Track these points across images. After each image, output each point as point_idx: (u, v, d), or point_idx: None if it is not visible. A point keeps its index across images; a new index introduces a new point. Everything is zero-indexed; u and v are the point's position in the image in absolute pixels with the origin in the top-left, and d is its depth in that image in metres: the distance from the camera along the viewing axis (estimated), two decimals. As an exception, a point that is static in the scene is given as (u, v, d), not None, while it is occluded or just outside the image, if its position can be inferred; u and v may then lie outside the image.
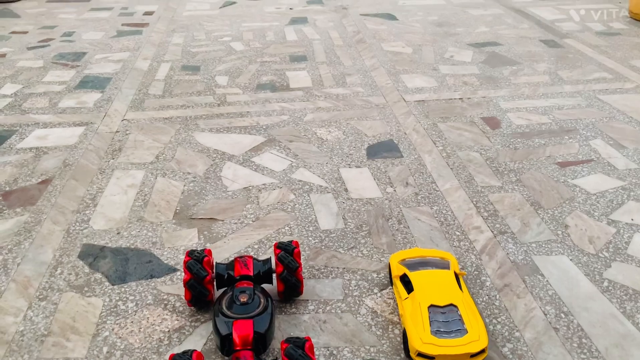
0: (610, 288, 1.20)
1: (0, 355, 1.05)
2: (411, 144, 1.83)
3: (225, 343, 0.99)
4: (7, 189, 1.59)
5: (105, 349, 1.07)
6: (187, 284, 1.10)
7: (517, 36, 2.90)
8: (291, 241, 1.17)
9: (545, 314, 1.14)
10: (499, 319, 1.13)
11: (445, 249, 1.33)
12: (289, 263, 1.11)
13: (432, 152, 1.77)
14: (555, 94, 2.20)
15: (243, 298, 1.04)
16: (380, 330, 1.10)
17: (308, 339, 0.94)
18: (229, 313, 1.01)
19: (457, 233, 1.39)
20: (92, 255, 1.33)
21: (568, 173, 1.64)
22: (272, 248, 1.30)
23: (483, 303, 1.17)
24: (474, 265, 1.28)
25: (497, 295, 1.19)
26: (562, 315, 1.13)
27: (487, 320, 1.12)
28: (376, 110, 2.09)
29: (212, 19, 3.35)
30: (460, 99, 2.17)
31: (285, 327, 1.12)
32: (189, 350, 0.92)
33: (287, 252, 1.13)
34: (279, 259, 1.12)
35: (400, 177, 1.64)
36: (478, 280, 1.23)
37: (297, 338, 0.94)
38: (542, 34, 2.94)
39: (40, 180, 1.63)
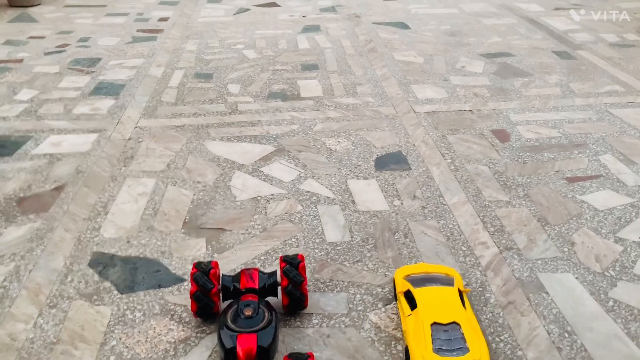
0: (615, 308, 1.20)
1: (11, 362, 1.08)
2: (419, 156, 1.84)
3: (229, 356, 1.00)
4: (22, 195, 1.62)
5: (112, 358, 1.09)
6: (193, 296, 1.12)
7: (530, 47, 2.90)
8: (297, 255, 1.19)
9: (549, 333, 1.14)
10: (502, 337, 1.13)
11: (451, 264, 1.34)
12: (293, 277, 1.13)
13: (440, 165, 1.77)
14: (566, 107, 2.19)
15: (248, 312, 1.05)
16: (383, 346, 1.11)
17: (310, 355, 0.95)
18: (233, 326, 1.03)
19: (463, 248, 1.40)
20: (102, 263, 1.35)
21: (576, 189, 1.64)
22: (278, 261, 1.31)
23: (486, 320, 1.17)
24: (479, 281, 1.28)
25: (501, 313, 1.19)
26: (566, 334, 1.14)
27: (489, 338, 1.13)
28: (386, 121, 2.10)
29: (226, 26, 3.38)
30: (470, 110, 2.17)
31: (290, 340, 1.13)
32: (194, 363, 0.94)
33: (292, 265, 1.15)
34: (284, 273, 1.14)
35: (407, 189, 1.64)
36: (482, 297, 1.24)
37: (300, 354, 0.95)
38: (555, 44, 2.93)
39: (53, 187, 1.66)
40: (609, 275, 1.30)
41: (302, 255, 1.19)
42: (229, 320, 1.05)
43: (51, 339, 1.13)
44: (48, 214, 1.54)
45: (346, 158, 1.82)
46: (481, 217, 1.51)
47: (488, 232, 1.45)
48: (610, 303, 1.22)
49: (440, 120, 2.09)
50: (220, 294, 1.16)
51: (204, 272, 1.13)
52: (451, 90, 2.36)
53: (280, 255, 1.35)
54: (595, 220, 1.49)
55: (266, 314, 1.06)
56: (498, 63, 2.67)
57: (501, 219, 1.50)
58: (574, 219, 1.50)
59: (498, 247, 1.39)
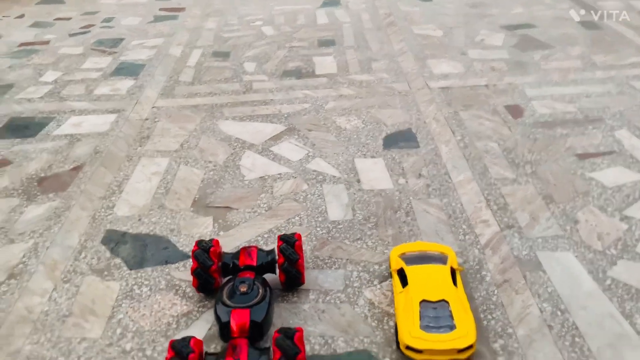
0: (612, 287, 1.20)
1: (26, 332, 1.16)
2: (429, 133, 1.84)
3: (224, 330, 1.05)
4: (42, 175, 1.70)
5: (118, 331, 1.16)
6: (194, 272, 1.17)
7: (554, 17, 2.81)
8: (294, 234, 1.22)
9: (542, 311, 1.15)
10: (494, 315, 1.15)
11: (450, 242, 1.35)
12: (289, 255, 1.16)
13: (450, 143, 1.77)
14: (585, 80, 2.14)
15: (243, 288, 1.10)
16: (376, 321, 1.14)
17: (299, 330, 0.99)
18: (228, 302, 1.08)
19: (464, 226, 1.40)
20: (114, 240, 1.42)
21: (586, 165, 1.61)
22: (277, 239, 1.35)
23: (480, 298, 1.19)
24: (476, 259, 1.30)
25: (496, 291, 1.21)
26: (559, 313, 1.14)
27: (481, 316, 1.15)
28: (398, 97, 2.09)
29: (246, 2, 3.39)
30: (485, 85, 2.14)
31: (286, 315, 1.18)
32: (188, 337, 0.99)
33: (289, 244, 1.18)
34: (280, 251, 1.18)
35: (414, 168, 1.65)
36: (478, 275, 1.25)
37: (288, 329, 0.99)
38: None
39: (72, 166, 1.74)
40: (609, 253, 1.29)
41: (299, 235, 1.22)
42: (224, 296, 1.10)
43: (64, 312, 1.21)
44: (66, 193, 1.61)
45: (355, 137, 1.84)
46: (485, 195, 1.51)
47: (491, 210, 1.45)
48: (608, 282, 1.21)
49: (454, 96, 2.07)
50: (221, 271, 1.21)
51: (204, 250, 1.18)
52: (468, 65, 2.33)
53: (277, 235, 1.39)
54: (602, 198, 1.47)
55: (260, 291, 1.10)
56: (519, 35, 2.61)
57: (505, 197, 1.50)
58: (580, 196, 1.48)
59: (499, 226, 1.39)
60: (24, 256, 1.37)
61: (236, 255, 1.21)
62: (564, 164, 1.63)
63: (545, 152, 1.69)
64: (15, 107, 2.14)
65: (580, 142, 1.73)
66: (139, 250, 1.38)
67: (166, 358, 0.95)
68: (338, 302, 1.20)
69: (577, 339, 1.08)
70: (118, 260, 1.35)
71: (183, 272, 1.30)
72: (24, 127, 1.98)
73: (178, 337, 1.13)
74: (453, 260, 1.19)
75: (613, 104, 1.95)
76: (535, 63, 2.31)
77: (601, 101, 1.97)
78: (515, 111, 1.94)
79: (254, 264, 1.19)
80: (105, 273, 1.31)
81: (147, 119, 2.02)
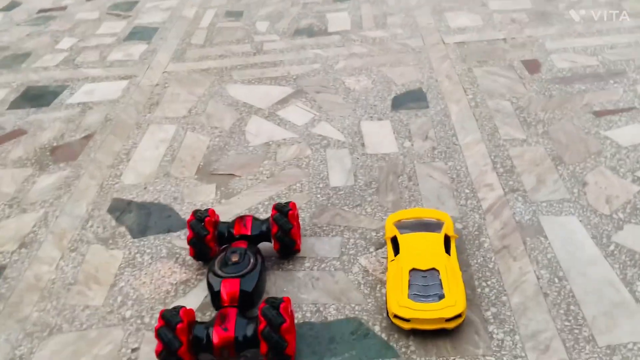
0: (615, 252, 1.16)
1: (34, 300, 1.21)
2: (440, 92, 1.78)
3: (215, 299, 1.07)
4: (55, 144, 1.74)
5: (119, 298, 1.19)
6: (190, 242, 1.19)
7: (585, -39, 2.64)
8: (288, 202, 1.22)
9: (539, 279, 1.12)
10: (489, 282, 1.13)
11: (451, 208, 1.33)
12: (282, 224, 1.17)
13: (461, 102, 1.71)
14: (612, 30, 2.02)
15: (234, 258, 1.11)
16: (368, 289, 1.14)
17: (285, 300, 1.00)
18: (219, 272, 1.09)
19: (467, 191, 1.37)
20: (119, 209, 1.45)
21: (602, 123, 1.54)
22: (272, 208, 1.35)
23: (476, 265, 1.17)
24: (476, 225, 1.27)
25: (493, 258, 1.19)
26: (556, 280, 1.12)
27: (476, 283, 1.13)
28: (412, 54, 2.03)
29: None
30: (503, 39, 2.05)
31: (280, 283, 1.19)
32: (178, 306, 1.01)
33: (282, 213, 1.18)
34: (274, 220, 1.18)
35: (421, 130, 1.61)
36: (477, 242, 1.23)
37: (275, 298, 1.00)
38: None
39: (83, 135, 1.77)
40: (616, 217, 1.24)
41: (293, 203, 1.22)
42: (216, 266, 1.11)
43: (69, 280, 1.25)
44: (76, 162, 1.65)
45: (363, 98, 1.80)
46: (492, 158, 1.46)
47: (497, 173, 1.41)
48: (612, 247, 1.17)
49: (470, 52, 1.99)
50: (217, 240, 1.22)
51: (199, 220, 1.19)
52: (487, 17, 2.23)
53: (282, 202, 1.39)
54: (615, 159, 1.41)
55: (251, 260, 1.11)
56: (544, -18, 2.46)
57: (513, 158, 1.45)
58: (592, 157, 1.42)
59: (503, 189, 1.36)
60: (34, 225, 1.42)
61: (231, 224, 1.22)
62: (579, 122, 1.56)
63: (560, 110, 1.62)
64: (31, 75, 2.18)
65: (598, 98, 1.65)
66: (143, 218, 1.41)
67: (155, 327, 0.98)
68: (332, 269, 1.20)
69: (572, 307, 1.06)
70: (122, 229, 1.38)
71: (184, 241, 1.32)
72: (39, 96, 2.02)
73: (176, 304, 1.16)
74: (448, 228, 1.17)
75: (638, 55, 1.84)
76: (559, 13, 2.19)
77: (626, 53, 1.86)
78: (533, 66, 1.85)
79: (249, 233, 1.19)
80: (110, 242, 1.35)
81: (157, 85, 2.03)
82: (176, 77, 2.07)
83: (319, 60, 2.05)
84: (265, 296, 1.12)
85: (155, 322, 1.13)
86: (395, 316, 1.03)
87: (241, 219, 1.23)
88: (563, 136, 1.51)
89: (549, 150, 1.47)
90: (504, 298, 1.10)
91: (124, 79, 2.09)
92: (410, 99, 1.76)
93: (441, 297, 1.02)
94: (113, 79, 2.09)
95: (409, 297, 1.03)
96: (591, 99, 1.65)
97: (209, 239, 1.19)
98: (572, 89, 1.71)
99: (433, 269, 1.06)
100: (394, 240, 1.15)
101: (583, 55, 1.88)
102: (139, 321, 1.14)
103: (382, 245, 1.24)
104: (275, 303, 0.99)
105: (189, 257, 1.28)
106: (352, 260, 1.22)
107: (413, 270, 1.07)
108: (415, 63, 1.96)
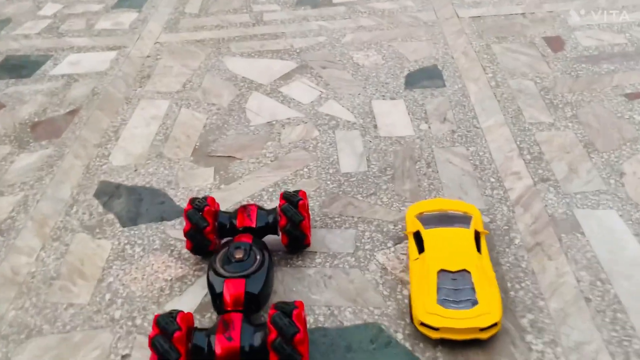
0: (662, 252, 1.05)
1: (11, 297, 1.08)
2: (457, 70, 1.64)
3: (216, 301, 0.95)
4: (36, 119, 1.59)
5: (107, 296, 1.06)
6: (187, 234, 1.06)
7: None
8: (298, 191, 1.09)
9: (578, 281, 1.01)
10: (523, 284, 1.01)
11: (475, 198, 1.20)
12: (292, 216, 1.03)
13: (479, 81, 1.58)
14: (638, 5, 1.88)
15: (238, 254, 0.98)
16: (388, 290, 1.02)
17: (298, 305, 0.88)
18: (221, 270, 0.97)
19: (492, 179, 1.25)
20: (107, 194, 1.31)
21: (636, 107, 1.41)
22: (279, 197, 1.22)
23: (508, 264, 1.05)
24: (505, 218, 1.15)
25: (526, 256, 1.07)
26: (599, 283, 1.00)
27: (508, 285, 1.01)
28: (424, 29, 1.88)
29: None
30: (522, 14, 1.91)
31: (289, 281, 1.06)
32: (175, 311, 0.88)
33: (292, 203, 1.05)
34: (282, 211, 1.05)
35: (438, 111, 1.48)
36: (507, 237, 1.11)
37: (286, 303, 0.88)
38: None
39: (68, 110, 1.62)
40: (660, 213, 1.13)
41: (304, 192, 1.09)
42: (218, 264, 0.98)
43: (51, 274, 1.12)
44: (60, 139, 1.50)
45: (374, 75, 1.66)
46: (518, 143, 1.34)
47: (524, 160, 1.29)
48: (657, 247, 1.06)
49: (487, 27, 1.85)
50: (217, 232, 1.09)
51: (197, 209, 1.06)
52: (503, -10, 2.08)
53: (288, 188, 1.26)
54: (653, 146, 1.29)
55: (258, 257, 0.99)
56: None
57: (541, 144, 1.33)
58: (628, 144, 1.30)
59: (532, 179, 1.23)
60: (12, 210, 1.28)
61: (234, 214, 1.09)
62: (610, 105, 1.43)
63: (589, 92, 1.49)
64: (11, 44, 2.01)
65: (629, 79, 1.52)
66: (134, 204, 1.27)
67: (150, 335, 0.85)
68: (347, 266, 1.08)
69: (619, 315, 0.94)
70: (111, 216, 1.25)
71: (179, 231, 1.19)
72: (19, 67, 1.86)
73: (170, 304, 1.04)
74: (477, 222, 1.05)
75: (670, 33, 1.71)
76: (580, -13, 2.04)
77: (656, 31, 1.73)
78: (556, 43, 1.72)
79: (253, 225, 1.06)
80: (97, 230, 1.21)
81: (148, 56, 1.87)
82: (169, 48, 1.91)
83: (324, 33, 1.90)
84: (272, 297, 1.00)
85: (148, 324, 1.01)
86: (422, 324, 0.91)
87: (244, 208, 1.10)
88: (594, 120, 1.39)
89: (579, 136, 1.34)
90: (541, 303, 0.98)
91: (112, 49, 1.93)
92: (424, 77, 1.62)
93: (474, 303, 0.90)
94: (100, 50, 1.93)
95: (437, 302, 0.91)
96: (621, 80, 1.52)
97: (208, 231, 1.05)
98: (600, 68, 1.58)
99: (464, 270, 0.94)
100: (417, 236, 1.03)
101: (609, 33, 1.74)
102: (129, 323, 1.01)
103: (401, 240, 1.12)
104: (287, 309, 0.86)
105: (184, 250, 1.14)
106: (368, 257, 1.09)
107: (441, 271, 0.94)
108: (429, 38, 1.82)
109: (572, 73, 1.57)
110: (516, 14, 1.91)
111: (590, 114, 1.41)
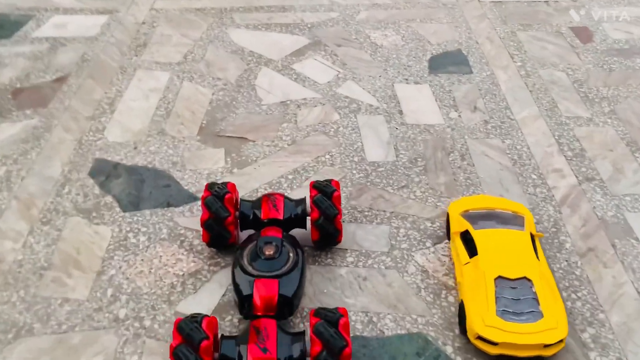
0: None
1: (-6, 289, 0.93)
2: (483, 56, 1.54)
3: (244, 304, 0.82)
4: (18, 85, 1.41)
5: (109, 292, 0.92)
6: (205, 224, 0.92)
7: None
8: (330, 180, 0.96)
9: (639, 292, 0.92)
10: (580, 294, 0.92)
11: (517, 195, 1.10)
12: (326, 209, 0.91)
13: (508, 69, 1.48)
14: (664, 0, 1.81)
15: (269, 251, 0.86)
16: (432, 295, 0.92)
17: (344, 314, 0.76)
18: (250, 269, 0.84)
19: (533, 176, 1.15)
20: (104, 173, 1.16)
21: (676, 106, 1.34)
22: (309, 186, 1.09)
23: (560, 271, 0.96)
24: (552, 219, 1.05)
25: (579, 262, 0.97)
26: (660, 295, 0.92)
27: (564, 294, 0.92)
28: (443, 10, 1.76)
29: None
30: (545, 1, 1.81)
31: (318, 280, 0.94)
32: (199, 315, 0.76)
33: (325, 195, 0.93)
34: (314, 203, 0.92)
35: (467, 99, 1.37)
36: (556, 240, 1.01)
37: (330, 312, 0.76)
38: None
39: (54, 77, 1.45)
40: None
41: (337, 182, 0.96)
42: (245, 260, 0.86)
43: (42, 263, 0.97)
44: (47, 110, 1.33)
45: (394, 56, 1.53)
46: (556, 137, 1.24)
47: (565, 156, 1.19)
48: None
49: (510, 12, 1.75)
50: (238, 223, 0.96)
51: (217, 197, 0.92)
52: (523, -24, 1.98)
53: (310, 176, 1.14)
54: (699, 148, 1.21)
55: (291, 255, 0.86)
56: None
57: (581, 140, 1.24)
58: (673, 144, 1.22)
59: (577, 177, 1.14)
60: (-7, 188, 1.12)
61: (257, 204, 0.96)
62: (648, 102, 1.35)
63: (624, 87, 1.41)
64: (-13, 1, 1.81)
65: (665, 76, 1.45)
66: (135, 187, 1.13)
67: (171, 345, 0.72)
68: (383, 267, 0.96)
69: (687, 333, 0.86)
70: (109, 199, 1.10)
71: (189, 219, 1.06)
72: (-3, 26, 1.67)
73: (184, 304, 0.91)
74: (531, 224, 0.95)
75: (699, 31, 1.64)
76: (602, -23, 1.95)
77: (685, 27, 1.66)
78: (584, 35, 1.63)
79: (280, 217, 0.94)
80: (94, 214, 1.07)
81: (143, 23, 1.70)
82: (166, 15, 1.74)
83: (336, 9, 1.77)
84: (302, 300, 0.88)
85: (159, 327, 0.87)
86: (479, 337, 0.80)
87: (268, 197, 0.97)
88: (634, 117, 1.30)
89: (620, 133, 1.25)
90: (601, 316, 0.89)
91: (102, 13, 1.75)
92: (449, 62, 1.51)
93: (538, 315, 0.80)
94: (89, 12, 1.75)
95: (496, 314, 0.80)
96: (657, 77, 1.44)
97: (229, 222, 0.92)
98: (634, 63, 1.50)
99: (524, 277, 0.84)
100: (465, 237, 0.92)
101: (638, 26, 1.66)
102: (137, 324, 0.88)
103: (441, 239, 1.01)
104: (333, 318, 0.75)
105: (197, 242, 1.01)
106: (405, 257, 0.98)
107: (499, 278, 0.84)
108: (450, 21, 1.71)
109: (604, 66, 1.48)
110: (539, 1, 1.81)
111: (629, 111, 1.32)
